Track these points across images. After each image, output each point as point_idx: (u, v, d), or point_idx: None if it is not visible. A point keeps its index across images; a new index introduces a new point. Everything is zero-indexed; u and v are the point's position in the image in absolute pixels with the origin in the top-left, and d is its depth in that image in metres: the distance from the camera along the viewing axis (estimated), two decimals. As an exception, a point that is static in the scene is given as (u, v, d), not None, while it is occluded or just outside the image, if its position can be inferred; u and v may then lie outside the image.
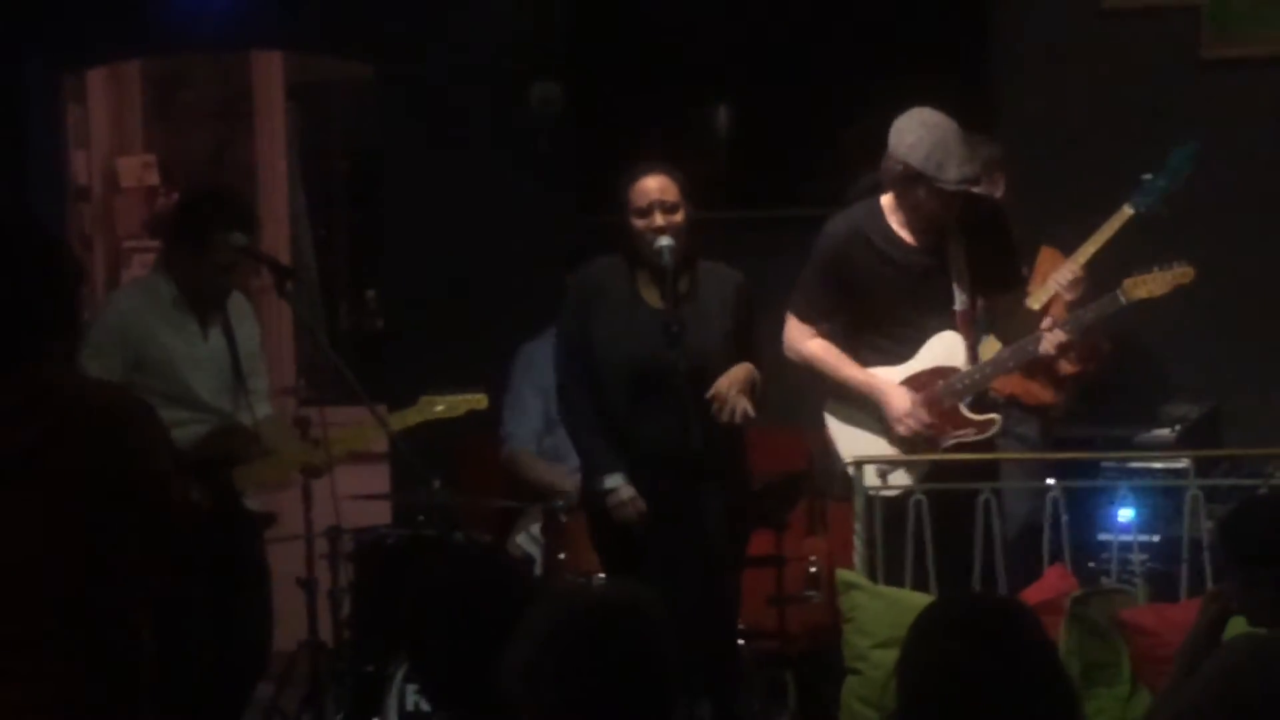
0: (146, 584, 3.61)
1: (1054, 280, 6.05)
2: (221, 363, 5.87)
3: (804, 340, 5.80)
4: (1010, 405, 6.36)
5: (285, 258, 8.37)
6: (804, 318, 5.81)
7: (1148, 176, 5.97)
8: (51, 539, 3.50)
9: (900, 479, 5.69)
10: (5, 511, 3.50)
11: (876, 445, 5.75)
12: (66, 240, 3.89)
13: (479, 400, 6.09)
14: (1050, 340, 5.59)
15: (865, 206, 5.75)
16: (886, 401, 5.67)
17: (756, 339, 5.65)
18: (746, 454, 5.68)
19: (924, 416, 5.64)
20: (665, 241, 5.42)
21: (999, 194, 6.30)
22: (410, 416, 5.98)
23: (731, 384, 5.43)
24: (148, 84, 9.51)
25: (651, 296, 5.54)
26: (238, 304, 6.03)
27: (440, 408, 6.01)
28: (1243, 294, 6.96)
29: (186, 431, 5.68)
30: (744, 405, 5.41)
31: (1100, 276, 6.03)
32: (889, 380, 5.70)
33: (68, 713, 3.49)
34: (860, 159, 6.00)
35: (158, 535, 3.61)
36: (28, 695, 3.46)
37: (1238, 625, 4.00)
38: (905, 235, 5.68)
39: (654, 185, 5.47)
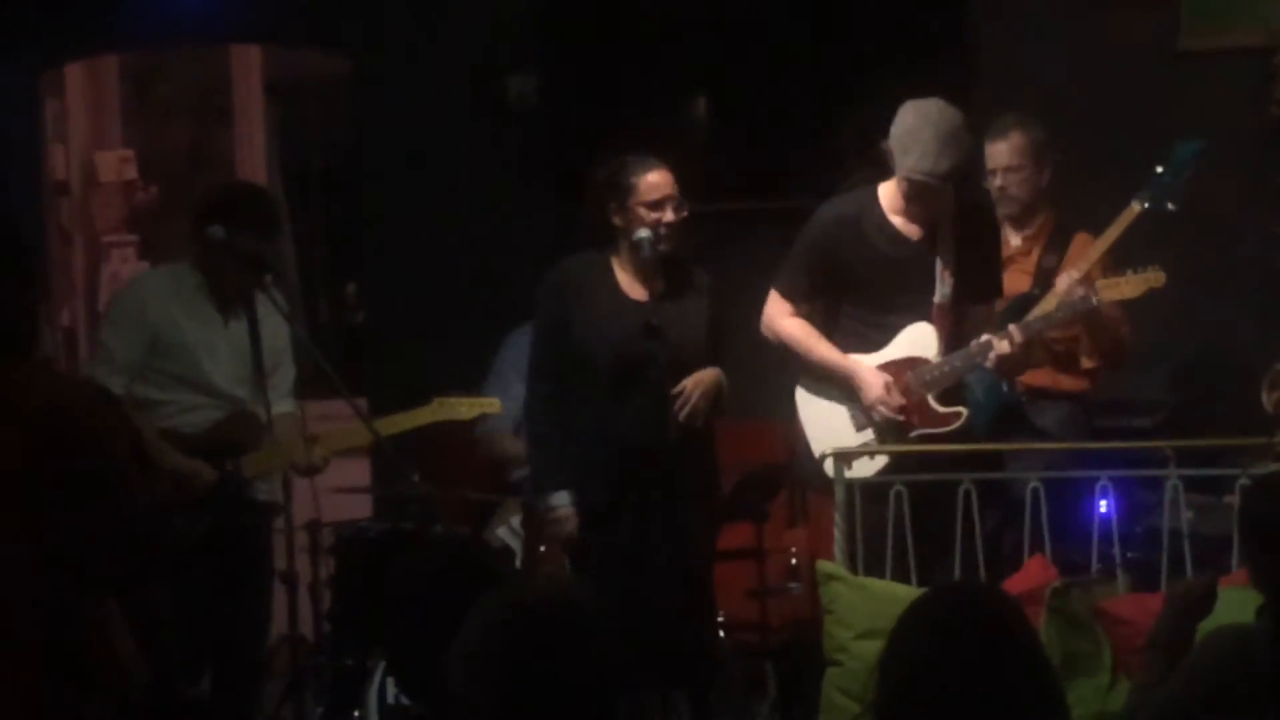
0: (105, 578, 3.53)
1: (1057, 290, 5.94)
2: (241, 351, 5.82)
3: (781, 318, 5.81)
4: (1037, 398, 6.29)
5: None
6: (786, 295, 5.81)
7: (1159, 170, 5.94)
8: (2, 536, 3.40)
9: (867, 466, 5.70)
10: None
11: (845, 425, 5.76)
12: (34, 238, 3.80)
13: (492, 404, 6.11)
14: (1006, 340, 5.61)
15: (862, 192, 5.75)
16: (862, 383, 5.67)
17: (725, 336, 5.66)
18: (714, 446, 5.69)
19: (898, 400, 5.64)
20: (644, 234, 5.44)
21: (1015, 189, 6.22)
22: (423, 416, 5.98)
23: (697, 385, 5.48)
24: (126, 79, 9.50)
25: (632, 290, 5.55)
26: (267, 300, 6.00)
27: (453, 410, 6.01)
28: (1220, 284, 6.97)
29: (198, 416, 5.73)
30: (701, 409, 5.46)
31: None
32: (865, 363, 5.71)
33: (24, 714, 3.40)
34: (852, 149, 5.98)
35: (115, 527, 3.53)
36: None
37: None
38: (898, 223, 5.67)
39: (666, 181, 5.50)
